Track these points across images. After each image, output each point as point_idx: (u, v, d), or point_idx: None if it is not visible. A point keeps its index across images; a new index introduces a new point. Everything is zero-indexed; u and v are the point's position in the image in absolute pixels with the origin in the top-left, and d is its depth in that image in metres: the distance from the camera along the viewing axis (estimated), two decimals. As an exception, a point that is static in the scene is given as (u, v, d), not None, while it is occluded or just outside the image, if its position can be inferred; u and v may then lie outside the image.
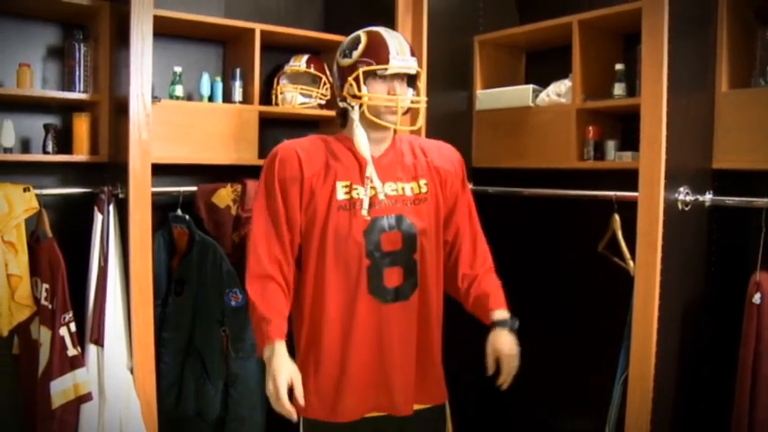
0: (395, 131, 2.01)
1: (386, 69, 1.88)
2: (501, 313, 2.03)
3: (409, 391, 1.97)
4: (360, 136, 1.91)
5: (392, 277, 1.93)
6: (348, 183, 1.91)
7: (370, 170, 1.90)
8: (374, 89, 1.89)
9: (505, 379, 1.97)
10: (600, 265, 2.50)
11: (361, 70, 1.88)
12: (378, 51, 1.89)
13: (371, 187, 1.90)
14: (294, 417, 1.81)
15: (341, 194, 1.90)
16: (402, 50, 1.90)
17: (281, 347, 1.85)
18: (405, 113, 1.98)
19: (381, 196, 1.90)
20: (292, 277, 1.94)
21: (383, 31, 1.94)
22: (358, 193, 1.90)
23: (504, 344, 1.97)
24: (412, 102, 1.97)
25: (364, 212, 1.88)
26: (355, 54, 1.90)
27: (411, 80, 1.97)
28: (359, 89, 1.88)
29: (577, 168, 2.59)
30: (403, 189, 1.95)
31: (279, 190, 1.90)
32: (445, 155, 2.08)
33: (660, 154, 1.96)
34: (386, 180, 1.93)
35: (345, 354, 1.92)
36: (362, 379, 1.93)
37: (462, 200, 2.09)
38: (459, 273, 2.07)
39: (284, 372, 1.81)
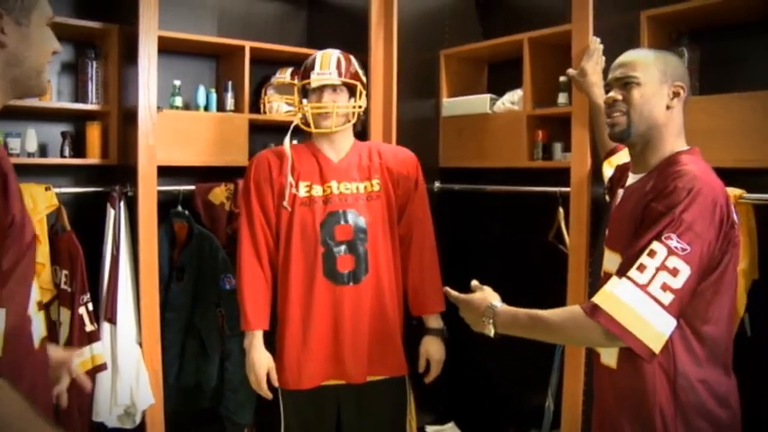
0: (358, 139, 2.37)
1: (309, 83, 2.25)
2: (436, 321, 2.43)
3: (360, 363, 2.29)
4: (286, 141, 2.29)
5: (345, 263, 2.27)
6: (309, 183, 2.27)
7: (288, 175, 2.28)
8: (310, 102, 2.26)
9: (432, 378, 2.42)
10: (549, 251, 2.80)
11: (296, 87, 2.31)
12: (305, 69, 2.28)
13: (294, 186, 2.27)
14: (270, 397, 2.28)
15: (302, 192, 2.26)
16: (324, 65, 2.25)
17: (258, 340, 2.28)
18: (352, 119, 2.32)
19: (294, 191, 2.25)
20: (271, 263, 2.30)
21: (321, 52, 2.30)
22: (316, 192, 2.26)
23: (435, 351, 2.42)
24: (340, 107, 2.26)
25: (285, 204, 2.25)
26: (298, 74, 2.31)
27: (352, 91, 2.29)
28: (300, 102, 2.28)
29: (529, 167, 2.90)
30: (357, 188, 2.29)
31: (254, 191, 2.28)
32: (399, 158, 2.39)
33: (586, 154, 2.32)
34: (342, 180, 2.28)
35: (306, 329, 2.26)
36: (320, 351, 2.27)
37: (414, 198, 2.39)
38: (408, 268, 2.41)
39: (262, 366, 2.26)
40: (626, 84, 1.70)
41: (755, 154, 2.06)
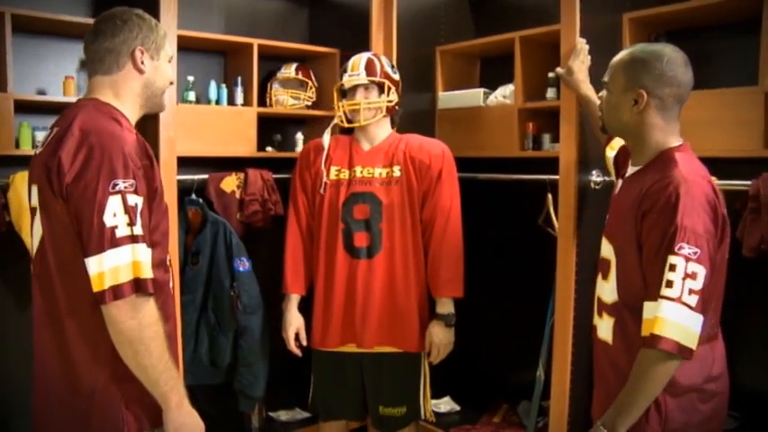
0: (395, 131, 2.63)
1: (343, 85, 2.54)
2: (445, 306, 2.58)
3: (368, 330, 2.53)
4: (325, 135, 2.60)
5: (361, 239, 2.53)
6: (339, 167, 2.54)
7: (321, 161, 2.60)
8: (347, 100, 2.54)
9: (433, 360, 2.60)
10: (539, 234, 3.02)
11: (334, 89, 2.58)
12: (341, 72, 2.56)
13: (326, 171, 2.57)
14: (299, 354, 2.60)
15: (333, 176, 2.53)
16: (354, 67, 2.52)
17: (292, 303, 2.63)
18: (383, 113, 2.55)
19: (325, 179, 2.54)
20: (311, 236, 2.62)
21: (355, 55, 2.57)
22: (343, 175, 2.53)
23: (436, 335, 2.57)
24: (371, 103, 2.52)
25: (321, 190, 2.55)
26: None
27: (381, 88, 2.53)
28: (338, 101, 2.55)
29: (520, 157, 3.10)
30: (380, 174, 2.52)
31: (298, 175, 2.62)
32: (425, 149, 2.58)
33: (573, 145, 2.52)
34: (366, 166, 2.54)
35: (328, 296, 2.55)
36: (338, 316, 2.54)
37: (438, 188, 2.55)
38: (429, 252, 2.58)
39: (292, 326, 2.62)
40: (604, 86, 1.88)
41: (725, 144, 2.28)
